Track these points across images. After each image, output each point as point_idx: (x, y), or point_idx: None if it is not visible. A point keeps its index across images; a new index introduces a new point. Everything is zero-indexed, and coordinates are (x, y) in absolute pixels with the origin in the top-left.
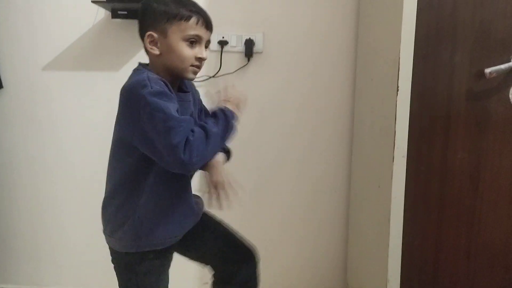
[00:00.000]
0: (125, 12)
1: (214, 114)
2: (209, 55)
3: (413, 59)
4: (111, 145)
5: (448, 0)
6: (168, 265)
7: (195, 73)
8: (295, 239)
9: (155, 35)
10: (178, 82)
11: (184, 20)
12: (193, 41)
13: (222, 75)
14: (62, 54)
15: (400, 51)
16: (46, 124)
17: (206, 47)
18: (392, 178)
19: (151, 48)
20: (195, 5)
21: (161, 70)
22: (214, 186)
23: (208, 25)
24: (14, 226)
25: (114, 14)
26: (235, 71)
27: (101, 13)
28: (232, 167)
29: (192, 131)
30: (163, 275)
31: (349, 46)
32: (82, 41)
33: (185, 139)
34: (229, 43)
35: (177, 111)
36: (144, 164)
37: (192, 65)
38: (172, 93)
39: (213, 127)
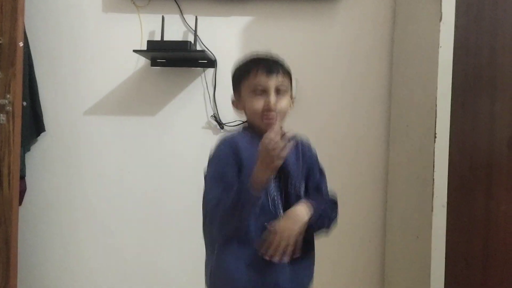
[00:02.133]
0: (164, 61)
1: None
2: None
3: (451, 107)
4: None
5: (486, 47)
6: None
7: (270, 123)
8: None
9: (234, 97)
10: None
11: (246, 75)
12: (260, 92)
13: None
14: (103, 100)
15: (437, 98)
16: (86, 166)
17: (282, 92)
18: (431, 229)
19: (235, 110)
20: (256, 56)
21: (250, 126)
22: (275, 235)
23: (268, 71)
24: (43, 269)
25: (154, 62)
26: None
27: (141, 61)
28: None
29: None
30: None
31: (383, 93)
32: (122, 88)
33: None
34: None
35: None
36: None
37: (263, 117)
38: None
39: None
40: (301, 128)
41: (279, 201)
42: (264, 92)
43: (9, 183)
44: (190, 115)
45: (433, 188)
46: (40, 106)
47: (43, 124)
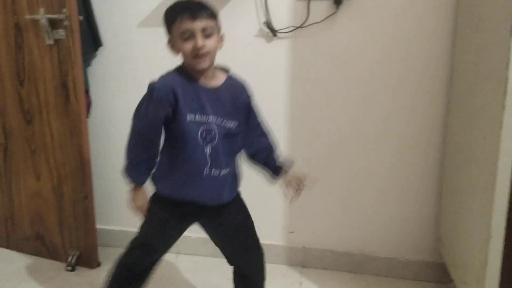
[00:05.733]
0: None
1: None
2: (296, 4)
3: None
4: None
5: None
6: (174, 224)
7: (202, 62)
8: (380, 194)
9: (169, 41)
10: (202, 74)
11: (174, 23)
12: (187, 37)
13: (309, 24)
14: (156, 10)
15: None
16: (141, 79)
17: (208, 35)
18: (501, 129)
19: (172, 52)
20: (180, 3)
21: (186, 67)
22: (290, 185)
23: (193, 15)
24: (115, 175)
25: None
26: (323, 20)
27: None
28: (318, 115)
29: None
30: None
31: None
32: None
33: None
34: None
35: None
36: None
37: (194, 57)
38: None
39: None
40: (359, 29)
41: (209, 134)
42: (192, 35)
43: (75, 97)
44: (242, 22)
45: (506, 86)
46: (95, 20)
47: (100, 39)
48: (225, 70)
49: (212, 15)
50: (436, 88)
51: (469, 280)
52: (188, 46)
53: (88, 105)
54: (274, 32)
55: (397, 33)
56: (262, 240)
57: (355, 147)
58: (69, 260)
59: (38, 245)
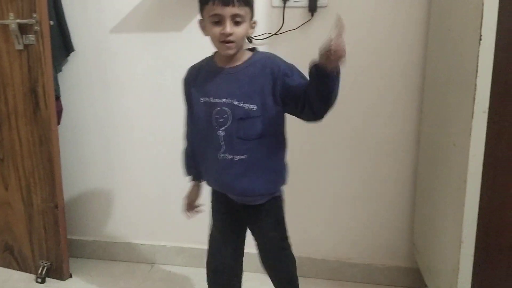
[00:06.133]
0: None
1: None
2: (271, 11)
3: (499, 4)
4: None
5: None
6: (221, 209)
7: (228, 48)
8: (356, 201)
9: (201, 21)
10: (226, 57)
11: (206, 4)
12: (217, 21)
13: (285, 32)
14: (128, 16)
15: None
16: (113, 85)
17: (238, 22)
18: (470, 136)
19: (202, 32)
20: None
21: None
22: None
23: (224, 2)
24: (86, 184)
25: None
26: (298, 27)
27: None
28: (293, 123)
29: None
30: (217, 213)
31: None
32: (146, 2)
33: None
34: None
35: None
36: None
37: (220, 42)
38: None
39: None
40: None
41: (222, 116)
42: (222, 20)
43: (45, 103)
44: None
45: (474, 94)
46: (67, 25)
47: (72, 44)
48: (251, 50)
49: (246, 2)
50: (409, 96)
51: (442, 285)
52: (216, 30)
53: (59, 112)
54: (249, 39)
55: (371, 42)
56: None
57: (330, 155)
58: (39, 271)
59: (6, 256)
